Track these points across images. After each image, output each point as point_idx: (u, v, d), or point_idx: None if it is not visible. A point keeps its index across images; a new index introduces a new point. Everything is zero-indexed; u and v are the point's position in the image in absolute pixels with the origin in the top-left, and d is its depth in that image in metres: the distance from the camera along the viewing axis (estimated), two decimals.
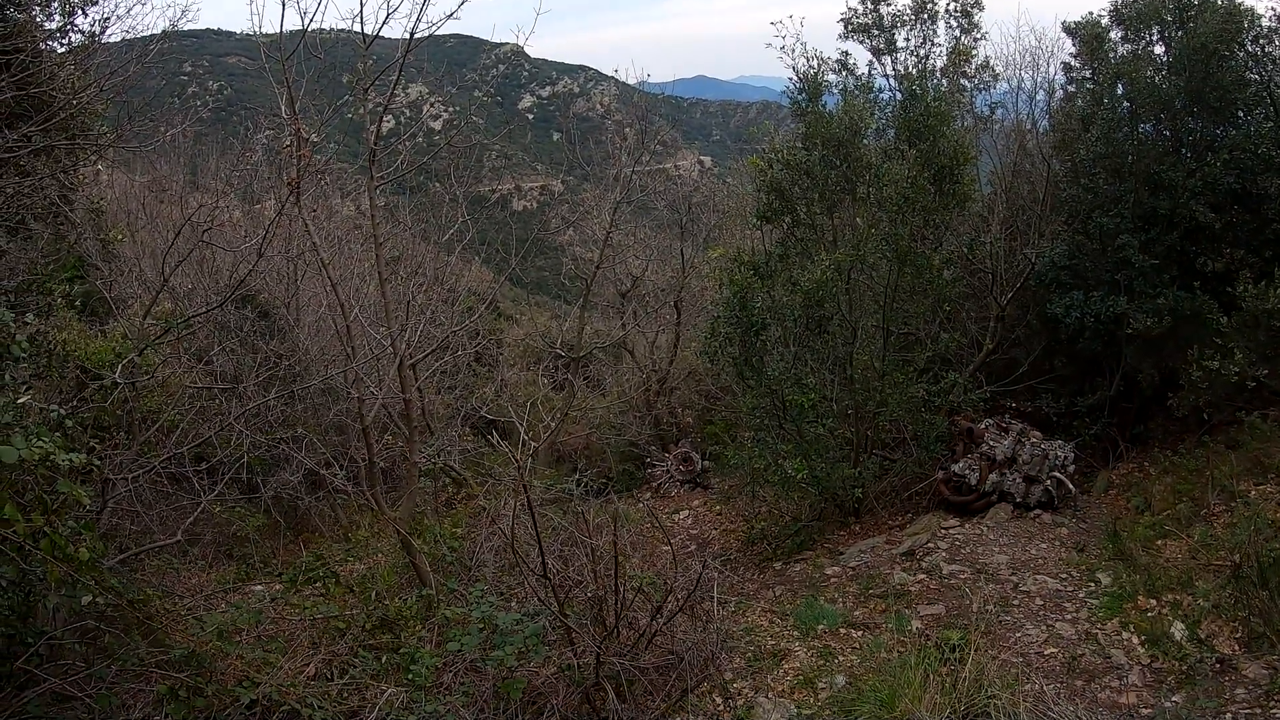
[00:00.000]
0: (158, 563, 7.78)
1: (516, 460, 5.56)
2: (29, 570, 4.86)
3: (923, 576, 9.53)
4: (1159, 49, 12.87)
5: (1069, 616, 8.16)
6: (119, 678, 5.39)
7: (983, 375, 12.97)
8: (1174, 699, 6.58)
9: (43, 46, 10.03)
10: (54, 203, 10.10)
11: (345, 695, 5.93)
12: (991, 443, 11.37)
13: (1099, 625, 7.90)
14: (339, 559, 9.16)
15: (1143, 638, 7.51)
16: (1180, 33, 12.20)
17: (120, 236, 13.08)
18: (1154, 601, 8.07)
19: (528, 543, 6.43)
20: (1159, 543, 9.46)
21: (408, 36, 8.40)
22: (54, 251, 10.85)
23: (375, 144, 8.27)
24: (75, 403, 6.77)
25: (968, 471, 11.20)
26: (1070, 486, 11.26)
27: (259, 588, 8.57)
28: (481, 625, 6.25)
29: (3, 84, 7.83)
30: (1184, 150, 12.12)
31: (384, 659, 6.43)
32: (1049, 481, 11.20)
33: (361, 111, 8.63)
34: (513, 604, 6.86)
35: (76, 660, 5.39)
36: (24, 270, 9.35)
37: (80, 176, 11.51)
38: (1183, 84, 11.85)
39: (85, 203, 12.21)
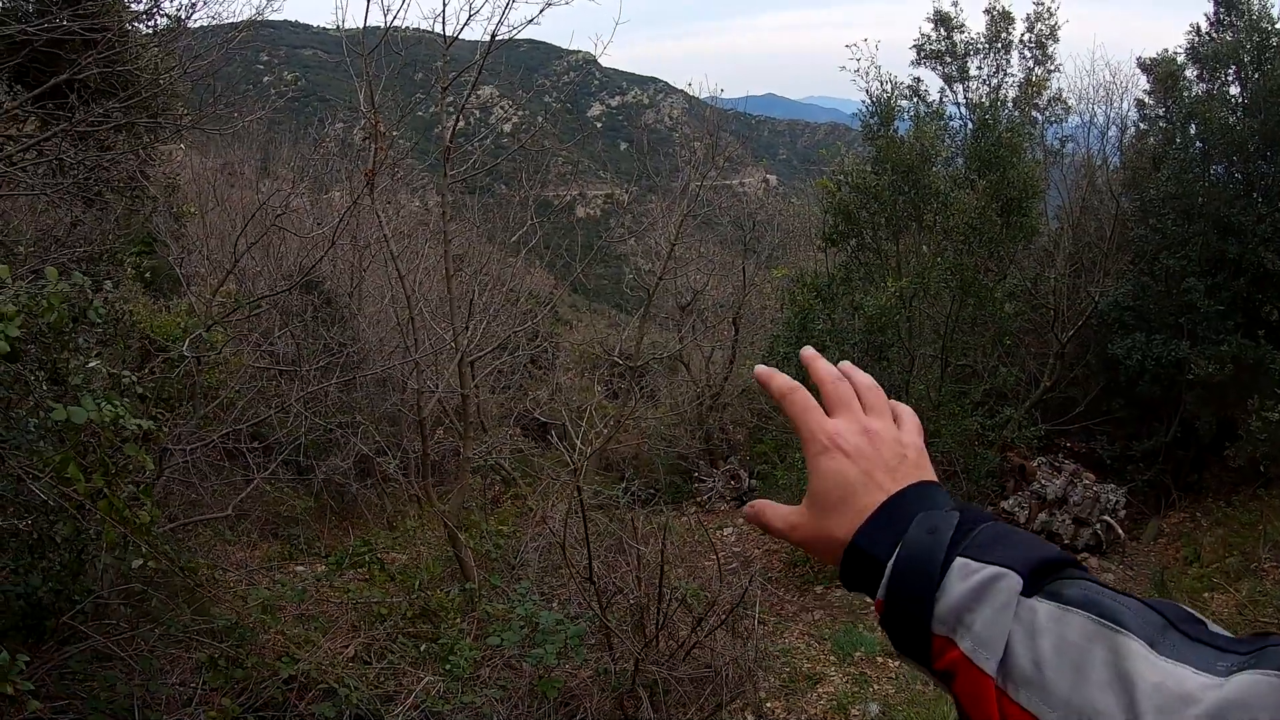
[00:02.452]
0: (207, 534, 7.90)
1: (572, 462, 5.58)
2: (85, 529, 4.95)
3: None
4: (1235, 89, 12.67)
5: None
6: (161, 642, 5.46)
7: (1038, 412, 12.81)
8: None
9: (129, 27, 10.26)
10: (132, 176, 10.31)
11: (382, 679, 5.98)
12: (1043, 481, 11.23)
13: None
14: (385, 547, 9.23)
15: None
16: (1257, 74, 12.01)
17: (193, 210, 13.31)
18: None
19: (575, 545, 6.45)
20: (1206, 595, 9.29)
21: (488, 39, 8.49)
22: (127, 225, 11.07)
23: (450, 142, 8.35)
24: (140, 373, 6.89)
25: (1017, 509, 11.07)
26: (1120, 531, 11.08)
27: (301, 568, 8.67)
28: (523, 623, 6.27)
29: (90, 60, 8.00)
30: (1255, 195, 11.90)
31: (423, 648, 6.47)
32: (1098, 525, 11.03)
33: (436, 109, 8.74)
34: (554, 605, 6.87)
35: (121, 621, 5.48)
36: (98, 240, 9.56)
37: (158, 154, 11.75)
38: (1257, 126, 11.64)
39: (161, 179, 12.44)
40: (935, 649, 0.84)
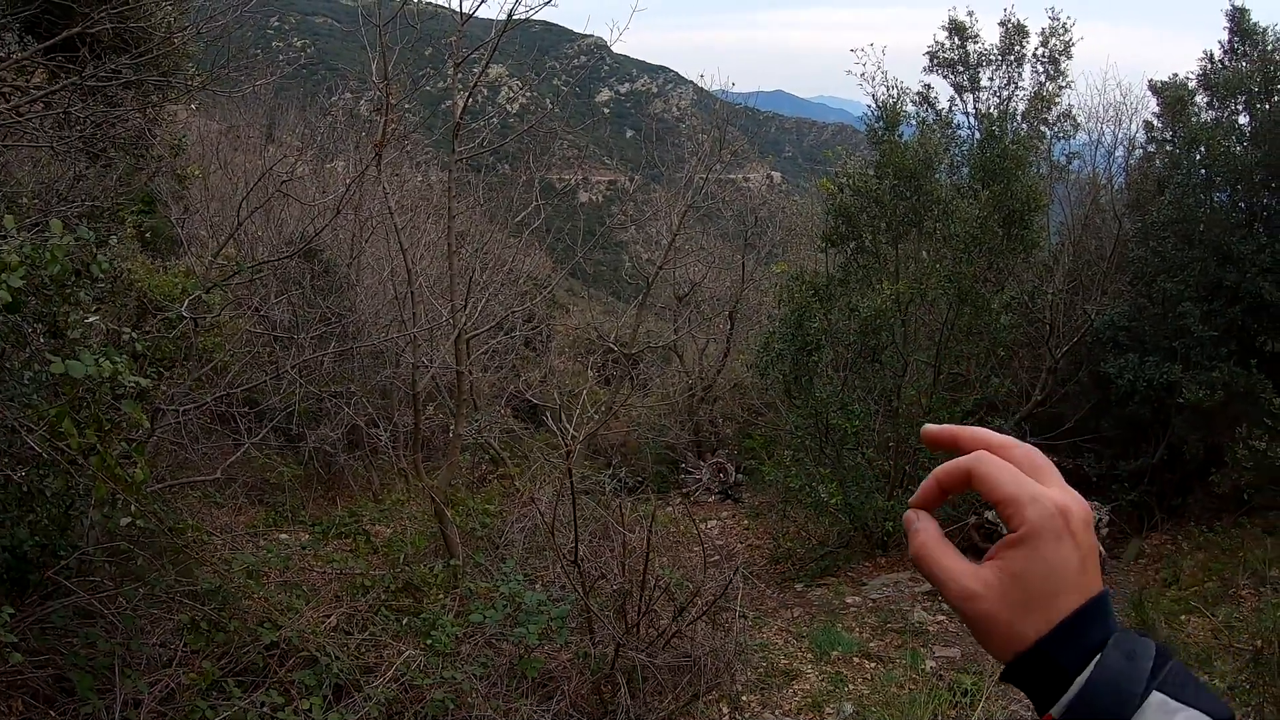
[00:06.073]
0: (195, 496, 7.89)
1: (566, 444, 5.60)
2: (75, 485, 4.95)
3: (942, 617, 9.48)
4: (1243, 119, 12.69)
5: None
6: (144, 602, 5.45)
7: (1028, 426, 12.84)
8: None
9: None
10: (138, 134, 10.28)
11: (363, 650, 5.98)
12: None
13: None
14: (371, 519, 9.24)
15: None
16: (1265, 105, 12.02)
17: (197, 173, 13.28)
18: None
19: (562, 527, 6.47)
20: (1183, 618, 9.35)
21: (503, 17, 8.49)
22: (129, 183, 11.03)
23: (460, 119, 8.35)
24: (137, 331, 6.87)
25: (1000, 520, 11.10)
26: (1101, 550, 11.10)
27: (285, 536, 8.66)
28: (506, 602, 6.30)
29: (103, 15, 7.97)
30: (1256, 225, 11.90)
31: (405, 621, 6.48)
32: None
33: (446, 85, 8.73)
34: (537, 586, 6.89)
35: (105, 579, 5.47)
36: (100, 196, 9.52)
37: (165, 114, 11.71)
38: (1261, 156, 11.66)
39: (167, 139, 12.41)
40: None
